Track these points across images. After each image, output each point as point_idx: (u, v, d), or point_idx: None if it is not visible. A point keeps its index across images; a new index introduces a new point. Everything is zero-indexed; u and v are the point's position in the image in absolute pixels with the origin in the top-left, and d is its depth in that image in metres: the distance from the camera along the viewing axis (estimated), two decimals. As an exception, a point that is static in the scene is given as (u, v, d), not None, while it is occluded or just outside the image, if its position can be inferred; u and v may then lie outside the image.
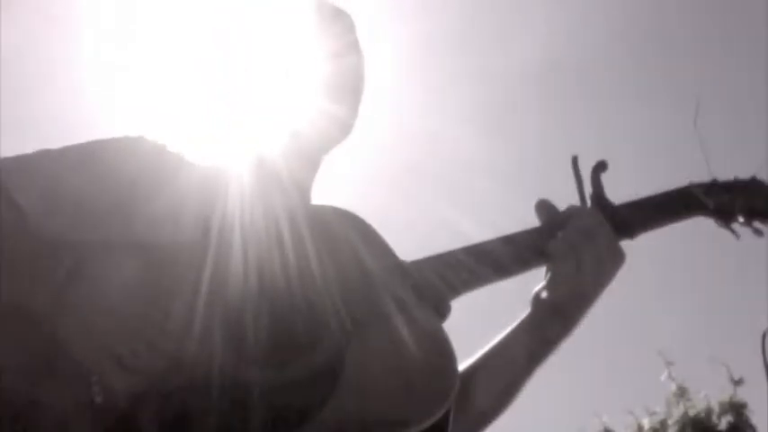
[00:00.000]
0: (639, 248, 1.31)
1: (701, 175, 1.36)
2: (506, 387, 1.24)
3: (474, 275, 1.18)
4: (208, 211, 1.19)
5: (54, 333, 0.95)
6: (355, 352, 1.03)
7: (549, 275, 1.22)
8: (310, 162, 1.37)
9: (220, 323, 1.02)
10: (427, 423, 0.99)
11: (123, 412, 0.94)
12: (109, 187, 1.18)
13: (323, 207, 1.30)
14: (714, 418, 9.15)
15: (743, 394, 9.16)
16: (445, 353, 1.07)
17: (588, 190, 1.29)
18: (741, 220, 1.33)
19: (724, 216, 1.33)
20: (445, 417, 1.02)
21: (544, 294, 1.23)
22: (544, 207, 1.28)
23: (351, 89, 1.38)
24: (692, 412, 9.27)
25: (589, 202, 1.28)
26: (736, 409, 9.11)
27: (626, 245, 1.28)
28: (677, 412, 9.37)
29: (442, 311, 1.16)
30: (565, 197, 1.31)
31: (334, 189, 1.44)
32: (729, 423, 9.06)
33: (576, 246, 1.19)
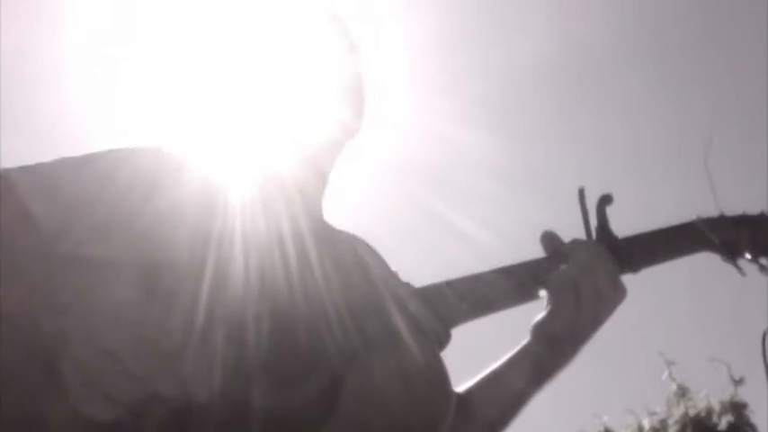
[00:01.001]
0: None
1: (718, 189, 1.34)
2: (502, 413, 1.26)
3: (475, 306, 1.19)
4: (207, 221, 1.18)
5: (58, 345, 0.95)
6: (360, 365, 1.03)
7: (548, 308, 1.22)
8: (315, 169, 1.36)
9: (222, 334, 1.01)
10: None
11: (125, 426, 0.94)
12: (125, 198, 1.18)
13: (328, 224, 1.29)
14: (715, 418, 9.15)
15: (743, 394, 9.17)
16: (444, 372, 1.08)
17: (593, 222, 1.29)
18: (748, 256, 1.32)
19: (730, 252, 1.32)
20: None
21: (542, 326, 1.23)
22: (548, 239, 1.28)
23: (353, 92, 1.39)
24: (692, 412, 9.27)
25: (594, 235, 1.28)
26: (737, 408, 9.11)
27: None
28: (678, 412, 9.37)
29: (442, 340, 1.17)
30: (566, 197, 1.32)
31: (335, 189, 1.43)
32: (730, 423, 9.06)
33: (577, 280, 1.20)
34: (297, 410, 0.99)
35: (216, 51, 1.45)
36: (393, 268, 1.22)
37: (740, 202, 1.37)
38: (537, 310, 1.26)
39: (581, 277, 1.20)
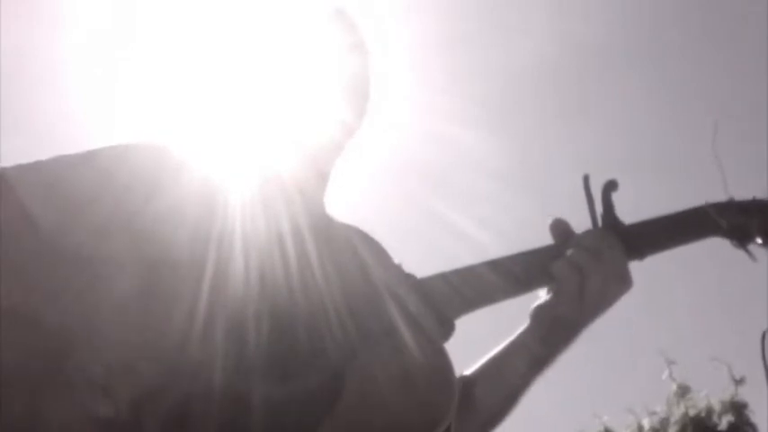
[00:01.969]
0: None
1: (717, 188, 1.32)
2: (505, 398, 1.26)
3: (480, 295, 1.17)
4: (207, 221, 1.19)
5: (59, 342, 0.95)
6: (361, 365, 1.03)
7: (552, 292, 1.21)
8: (315, 168, 1.36)
9: (222, 332, 1.01)
10: None
11: (126, 422, 0.94)
12: (125, 198, 1.18)
13: (330, 219, 1.29)
14: (715, 418, 9.15)
15: (743, 394, 9.17)
16: (446, 370, 1.07)
17: (599, 209, 1.26)
18: (759, 241, 1.29)
19: (740, 237, 1.30)
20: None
21: (545, 311, 1.22)
22: (558, 226, 1.26)
23: (355, 91, 1.39)
24: (692, 412, 9.27)
25: (600, 222, 1.26)
26: (737, 408, 9.11)
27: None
28: (678, 412, 9.37)
29: (446, 330, 1.16)
30: (567, 199, 1.31)
31: (335, 189, 1.43)
32: (730, 423, 9.06)
33: (582, 267, 1.18)
34: (297, 406, 0.99)
35: (216, 51, 1.45)
36: (396, 260, 1.20)
37: (749, 188, 1.34)
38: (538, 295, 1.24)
39: (586, 263, 1.18)
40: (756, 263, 1.30)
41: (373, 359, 1.05)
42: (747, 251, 1.30)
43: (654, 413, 9.60)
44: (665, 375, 9.61)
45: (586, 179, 1.27)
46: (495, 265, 1.20)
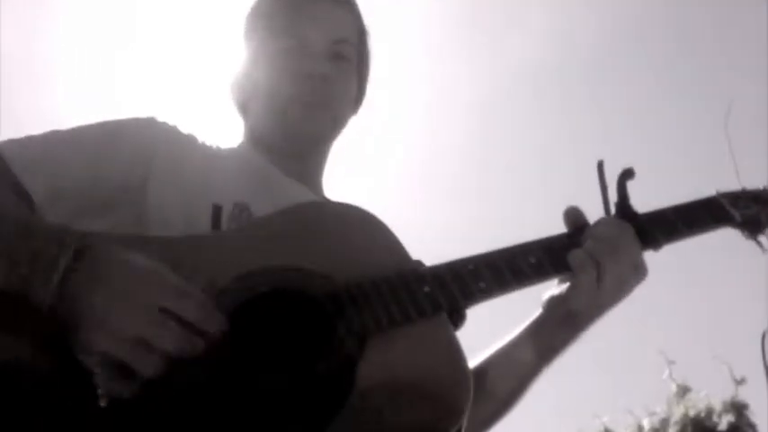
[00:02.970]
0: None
1: (728, 181, 1.32)
2: (514, 388, 1.26)
3: (492, 284, 1.14)
4: (217, 197, 1.19)
5: (57, 325, 0.94)
6: (371, 358, 1.02)
7: (568, 284, 1.19)
8: (310, 153, 1.37)
9: (227, 316, 1.00)
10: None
11: (126, 412, 0.93)
12: (124, 168, 1.19)
13: (339, 204, 1.28)
14: (715, 418, 9.15)
15: (743, 394, 9.17)
16: (459, 363, 1.06)
17: (613, 197, 1.25)
18: None
19: (751, 228, 1.29)
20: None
21: (560, 301, 1.21)
22: (572, 214, 1.24)
23: (357, 71, 1.37)
24: (692, 412, 9.26)
25: (613, 210, 1.24)
26: (738, 408, 9.11)
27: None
28: (678, 412, 9.37)
29: (457, 319, 1.15)
30: (566, 197, 1.30)
31: (335, 189, 1.43)
32: (730, 423, 9.06)
33: (599, 258, 1.16)
34: (308, 393, 0.99)
35: (216, 48, 1.46)
36: (404, 246, 1.18)
37: (762, 178, 1.33)
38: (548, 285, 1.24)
39: (603, 256, 1.17)
40: (765, 253, 1.29)
41: (387, 351, 1.03)
42: (758, 242, 1.30)
43: (654, 413, 9.60)
44: (664, 375, 9.62)
45: (600, 165, 1.25)
46: (507, 253, 1.17)
